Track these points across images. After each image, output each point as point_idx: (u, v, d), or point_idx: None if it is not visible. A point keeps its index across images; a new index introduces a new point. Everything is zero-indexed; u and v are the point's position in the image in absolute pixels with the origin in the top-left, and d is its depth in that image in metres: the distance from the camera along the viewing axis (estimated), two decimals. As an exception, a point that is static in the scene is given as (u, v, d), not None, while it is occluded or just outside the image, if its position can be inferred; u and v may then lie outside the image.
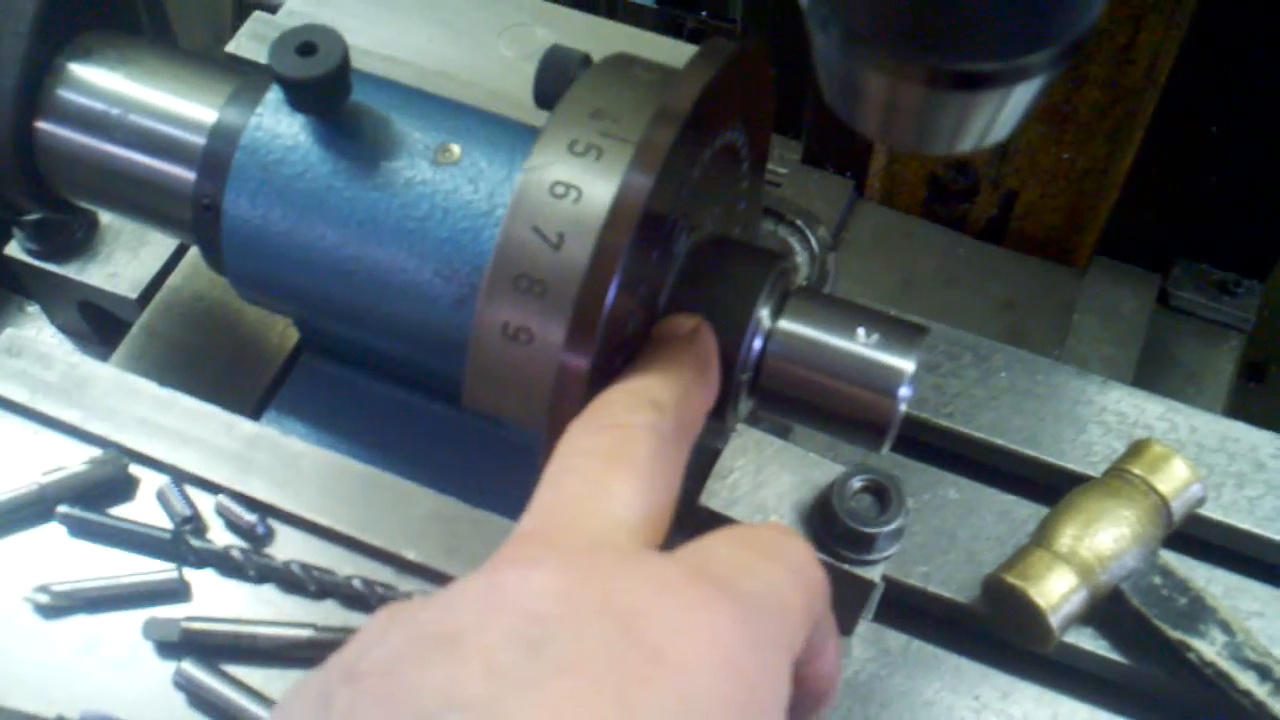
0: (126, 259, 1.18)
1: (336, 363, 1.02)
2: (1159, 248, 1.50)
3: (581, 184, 0.81)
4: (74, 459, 0.93)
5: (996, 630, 1.12)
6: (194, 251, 1.15)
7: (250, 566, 0.89)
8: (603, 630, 0.52)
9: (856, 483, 1.05)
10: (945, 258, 1.55)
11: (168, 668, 0.87)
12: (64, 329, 1.26)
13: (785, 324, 0.86)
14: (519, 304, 0.81)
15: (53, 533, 0.92)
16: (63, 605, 0.89)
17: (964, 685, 1.10)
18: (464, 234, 0.86)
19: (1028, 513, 1.16)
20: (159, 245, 1.18)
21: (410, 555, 0.89)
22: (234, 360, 1.09)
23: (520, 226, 0.81)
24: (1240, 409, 1.45)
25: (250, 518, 0.91)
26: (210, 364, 1.07)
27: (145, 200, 0.96)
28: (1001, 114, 0.69)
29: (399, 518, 0.90)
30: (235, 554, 0.90)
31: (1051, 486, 1.17)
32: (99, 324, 1.21)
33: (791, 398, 0.87)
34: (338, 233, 0.88)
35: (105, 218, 1.20)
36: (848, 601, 1.09)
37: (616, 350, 0.80)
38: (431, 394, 1.00)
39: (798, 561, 0.65)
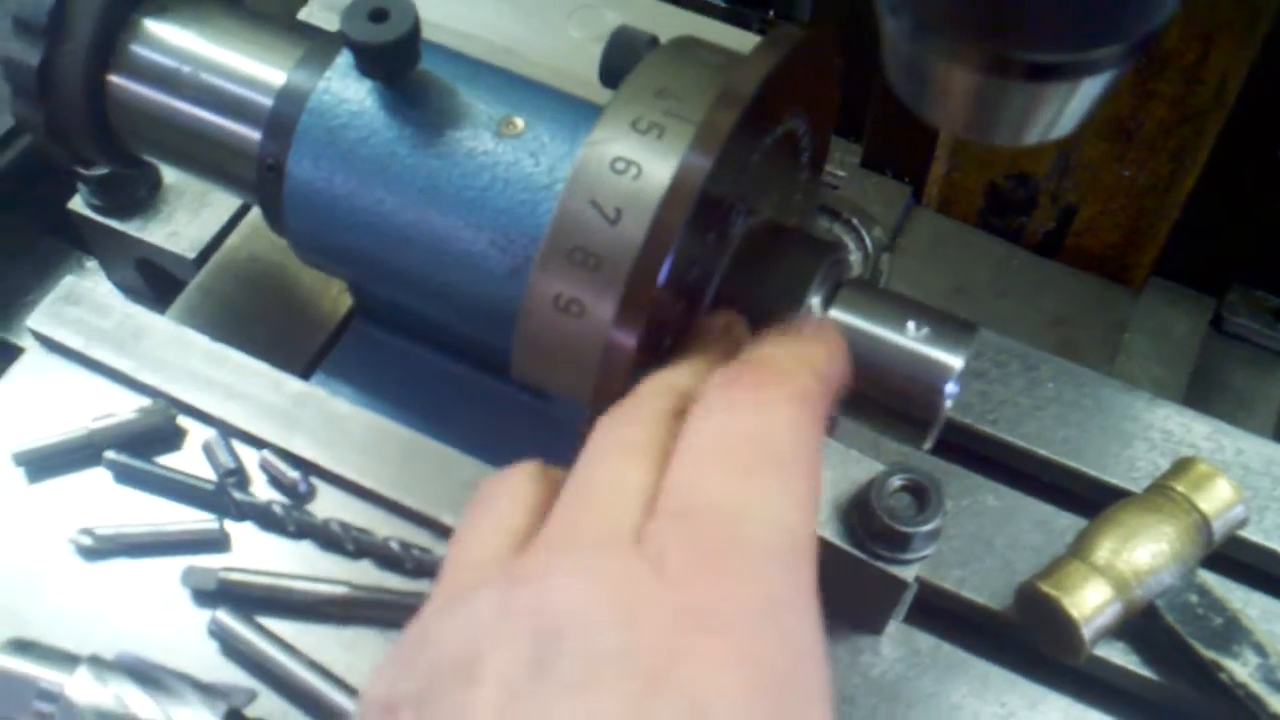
0: (187, 219, 1.19)
1: (388, 329, 1.03)
2: (1215, 271, 1.49)
3: (642, 161, 0.81)
4: (124, 407, 0.94)
5: (1028, 639, 1.12)
6: (253, 213, 1.17)
7: (290, 522, 0.90)
8: (614, 643, 0.52)
9: (896, 481, 1.04)
10: (999, 269, 1.54)
11: (203, 616, 0.88)
12: (121, 286, 1.28)
13: (835, 313, 0.86)
14: (572, 276, 0.82)
15: (99, 477, 0.93)
16: (105, 548, 0.90)
17: (991, 692, 1.10)
18: (522, 205, 0.87)
19: (1066, 523, 1.15)
20: (220, 207, 1.20)
21: (448, 520, 0.90)
22: (287, 323, 1.10)
23: (578, 199, 0.81)
24: (1292, 439, 1.44)
25: (293, 474, 0.92)
26: (263, 325, 1.08)
27: (211, 158, 0.97)
28: (1067, 108, 0.69)
29: (439, 483, 0.91)
30: (276, 509, 0.91)
31: (1092, 500, 1.17)
32: (156, 283, 1.22)
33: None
34: (398, 198, 0.89)
35: (169, 177, 1.21)
36: (880, 600, 1.09)
37: (666, 329, 0.81)
38: (479, 366, 1.01)
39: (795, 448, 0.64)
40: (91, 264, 1.30)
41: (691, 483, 0.60)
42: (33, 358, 0.98)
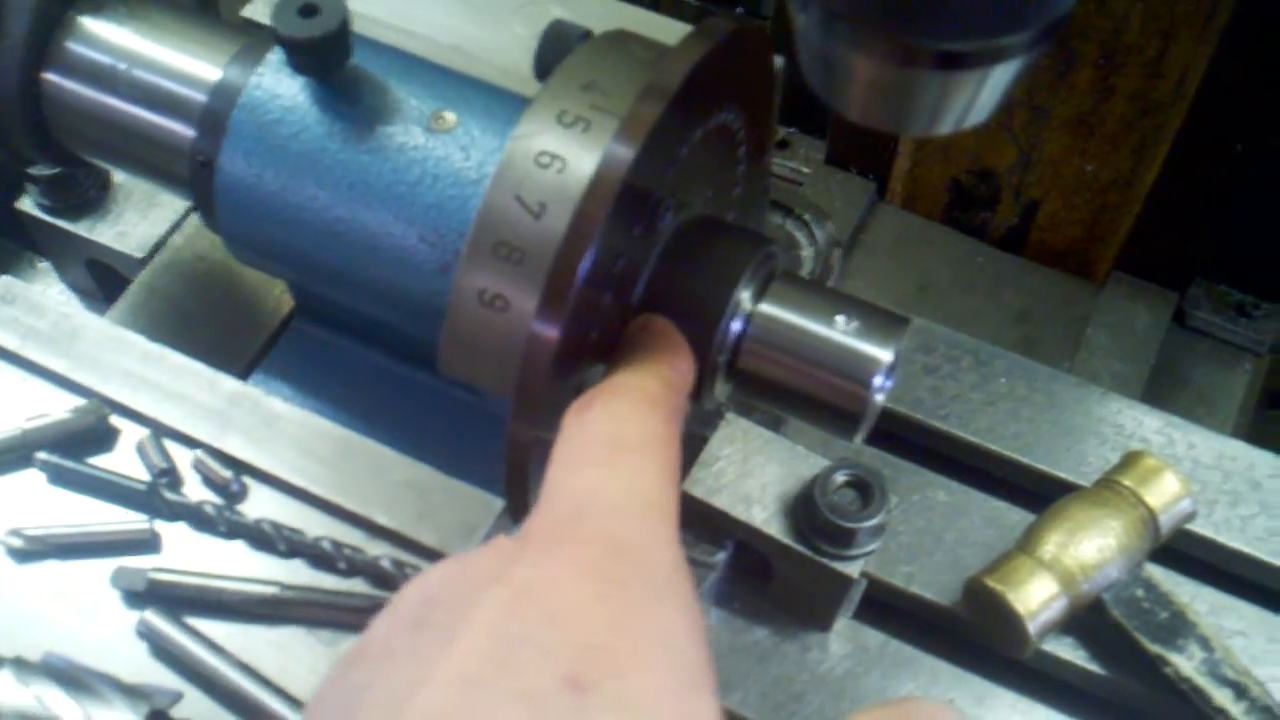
0: (136, 219, 1.19)
1: (326, 328, 1.03)
2: (1178, 266, 1.49)
3: (567, 154, 0.81)
4: (58, 407, 0.94)
5: (976, 634, 1.12)
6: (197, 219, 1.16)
7: (222, 522, 0.90)
8: (469, 594, 0.58)
9: (840, 477, 1.04)
10: (963, 265, 1.54)
11: (133, 617, 0.87)
12: (73, 286, 1.28)
13: (765, 307, 0.86)
14: (497, 271, 0.81)
15: (31, 479, 0.93)
16: (34, 550, 0.90)
17: (939, 688, 1.09)
18: (451, 201, 0.86)
19: (1017, 519, 1.15)
20: (168, 206, 1.19)
21: (381, 520, 0.89)
22: (229, 322, 1.10)
23: (503, 194, 0.81)
24: (1260, 436, 1.42)
25: (226, 474, 0.92)
26: (206, 324, 1.08)
27: (145, 155, 0.97)
28: (979, 96, 0.69)
29: (373, 482, 0.91)
30: (208, 509, 0.90)
31: (1043, 495, 1.16)
32: (106, 282, 1.22)
33: (768, 381, 0.87)
34: (328, 194, 0.89)
35: (118, 176, 1.21)
36: (826, 596, 1.09)
37: (590, 323, 0.80)
38: (417, 362, 1.00)
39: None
40: (44, 265, 1.30)
41: (553, 481, 0.65)
42: (-34, 359, 0.97)
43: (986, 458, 1.20)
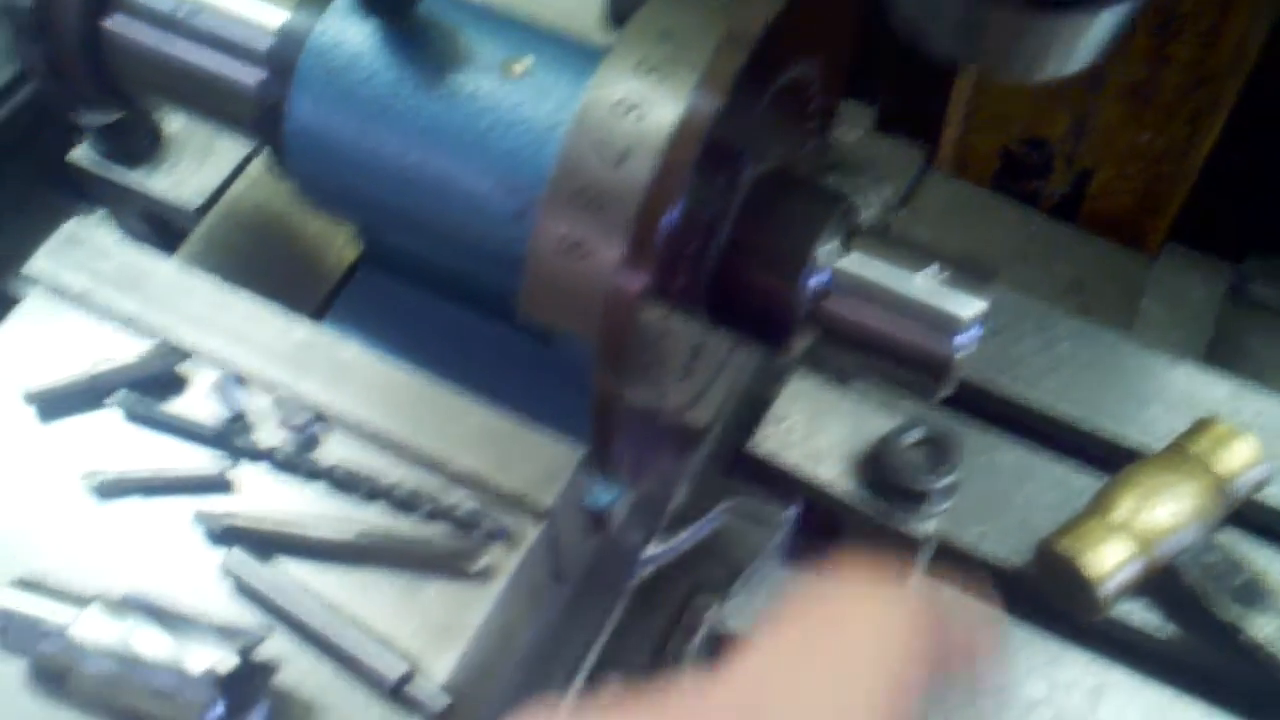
0: (191, 169, 1.18)
1: (394, 276, 1.02)
2: (1233, 237, 1.47)
3: (645, 103, 0.80)
4: (129, 351, 0.93)
5: (1047, 597, 1.10)
6: (258, 160, 1.15)
7: (300, 466, 0.89)
8: None
9: (912, 436, 1.03)
10: (1014, 233, 1.52)
11: (215, 557, 0.86)
12: (130, 237, 1.26)
13: (850, 260, 0.85)
14: (578, 218, 0.81)
15: (110, 419, 0.92)
16: (115, 489, 0.89)
17: (1010, 647, 1.08)
18: (526, 148, 0.85)
19: (1084, 483, 1.14)
20: (224, 156, 1.18)
21: (460, 465, 0.88)
22: (292, 272, 1.08)
23: (582, 141, 0.80)
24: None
25: (302, 418, 0.90)
26: (268, 274, 1.06)
27: (209, 100, 0.96)
28: (1083, 41, 0.68)
29: (451, 428, 0.89)
30: (286, 452, 0.89)
31: (1108, 461, 1.15)
32: (162, 234, 1.21)
33: (851, 336, 0.86)
34: (400, 140, 0.88)
35: (172, 126, 1.20)
36: (895, 555, 1.07)
37: (673, 272, 0.79)
38: (486, 311, 0.99)
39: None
40: (97, 215, 1.28)
41: None
42: (36, 301, 0.96)
43: (1051, 422, 1.19)
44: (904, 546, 1.05)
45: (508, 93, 0.86)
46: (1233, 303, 1.46)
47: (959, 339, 0.82)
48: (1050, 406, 1.18)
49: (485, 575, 0.86)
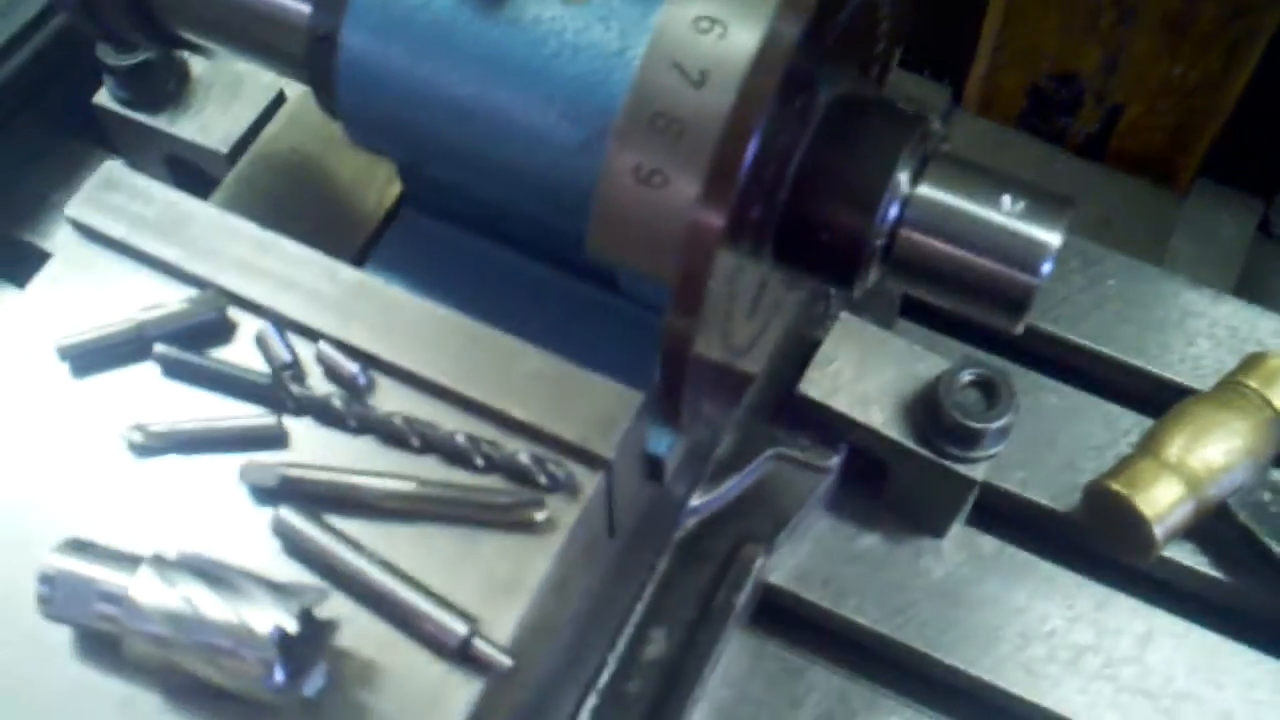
0: (218, 113, 1.15)
1: (438, 218, 0.99)
2: (1263, 174, 1.45)
3: (727, 19, 0.77)
4: (171, 298, 0.90)
5: (1095, 540, 1.09)
6: (292, 102, 1.12)
7: (351, 416, 0.86)
8: None
9: (965, 376, 1.01)
10: (1041, 171, 1.50)
11: (263, 514, 0.84)
12: (150, 183, 1.23)
13: (925, 189, 0.82)
14: (654, 145, 0.78)
15: (148, 372, 0.89)
16: (158, 445, 0.86)
17: (1057, 594, 1.07)
18: (593, 74, 0.82)
19: (1130, 422, 1.12)
20: (251, 99, 1.15)
21: (517, 413, 0.85)
22: (329, 215, 1.05)
23: (660, 61, 0.77)
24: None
25: (351, 367, 0.87)
26: (305, 218, 1.03)
27: (256, 32, 0.92)
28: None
29: (505, 374, 0.87)
30: (335, 403, 0.86)
31: (1154, 399, 1.14)
32: (186, 181, 1.17)
33: (927, 268, 0.83)
34: (459, 69, 0.84)
35: (198, 68, 1.17)
36: (945, 501, 1.06)
37: (750, 203, 0.77)
38: (539, 255, 0.96)
39: None
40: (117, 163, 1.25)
41: None
42: (71, 248, 0.93)
43: (1097, 361, 1.17)
44: (955, 490, 1.04)
45: (573, 16, 0.82)
46: (1261, 239, 1.45)
47: (1042, 269, 0.80)
48: (1095, 345, 1.16)
49: (546, 528, 0.83)
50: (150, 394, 0.88)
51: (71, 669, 0.79)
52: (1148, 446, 1.06)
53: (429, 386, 0.87)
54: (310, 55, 0.89)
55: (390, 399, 0.88)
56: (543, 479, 0.84)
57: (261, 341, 0.89)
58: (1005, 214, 0.81)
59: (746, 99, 0.72)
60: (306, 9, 0.88)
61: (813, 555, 1.08)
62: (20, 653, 0.80)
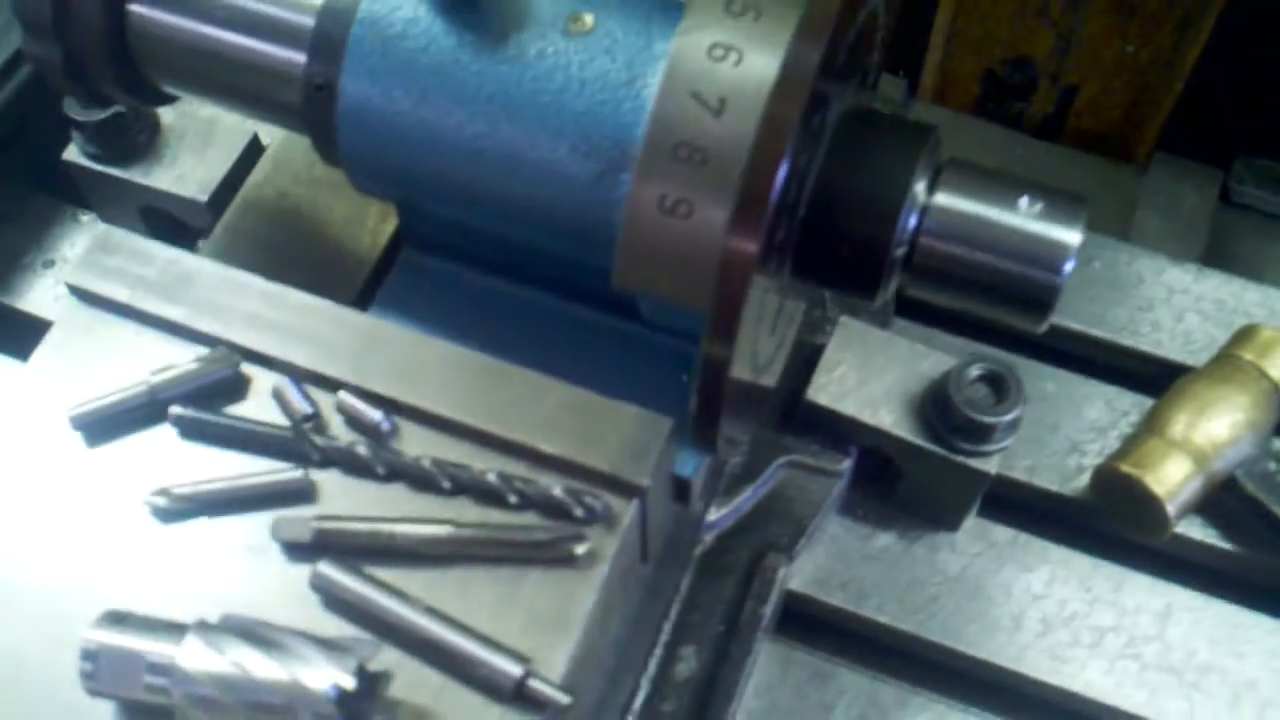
0: (192, 162, 1.13)
1: (442, 258, 0.98)
2: (1221, 143, 1.47)
3: (743, 46, 0.77)
4: (181, 358, 0.88)
5: (1106, 522, 1.10)
6: (275, 147, 1.11)
7: (379, 463, 0.85)
8: None
9: (973, 372, 1.02)
10: (1001, 157, 1.51)
11: (298, 570, 0.82)
12: (123, 238, 1.21)
13: (942, 196, 0.83)
14: (678, 175, 0.77)
15: (164, 435, 0.87)
16: (183, 509, 0.85)
17: (1074, 577, 1.08)
18: (602, 106, 0.81)
19: (1129, 403, 1.14)
20: (225, 145, 1.14)
21: (546, 447, 0.85)
22: (325, 259, 1.04)
23: (677, 91, 0.77)
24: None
25: (374, 414, 0.87)
26: (300, 264, 1.02)
27: (247, 86, 0.91)
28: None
29: (530, 409, 0.86)
30: (362, 451, 0.85)
31: (1150, 377, 1.15)
32: (163, 231, 1.16)
33: (949, 274, 0.84)
34: (465, 109, 0.84)
35: (167, 117, 1.15)
36: (957, 496, 1.07)
37: (777, 225, 0.77)
38: (545, 286, 0.96)
39: None
40: (87, 218, 1.23)
41: None
42: (73, 315, 0.91)
43: (1091, 344, 1.18)
44: (968, 485, 1.04)
45: (577, 49, 0.82)
46: (1222, 207, 1.47)
47: (1065, 268, 0.81)
48: (1088, 328, 1.17)
49: (587, 560, 0.83)
50: (169, 457, 0.87)
51: (122, 746, 0.78)
52: (1152, 426, 1.08)
53: (454, 427, 0.87)
54: (308, 105, 0.88)
55: (415, 443, 0.87)
56: (579, 511, 0.84)
57: (278, 395, 0.88)
58: (1024, 215, 0.82)
59: (772, 125, 0.72)
60: (301, 58, 0.87)
61: (829, 559, 1.09)
62: (65, 732, 0.78)
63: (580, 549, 0.83)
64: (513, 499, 0.84)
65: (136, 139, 1.13)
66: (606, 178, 0.81)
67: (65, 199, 1.22)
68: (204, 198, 1.11)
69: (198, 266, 0.91)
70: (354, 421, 0.87)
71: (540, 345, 0.93)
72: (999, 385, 1.02)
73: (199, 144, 1.13)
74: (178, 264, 0.91)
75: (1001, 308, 0.84)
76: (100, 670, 0.77)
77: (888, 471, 1.08)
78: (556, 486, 0.84)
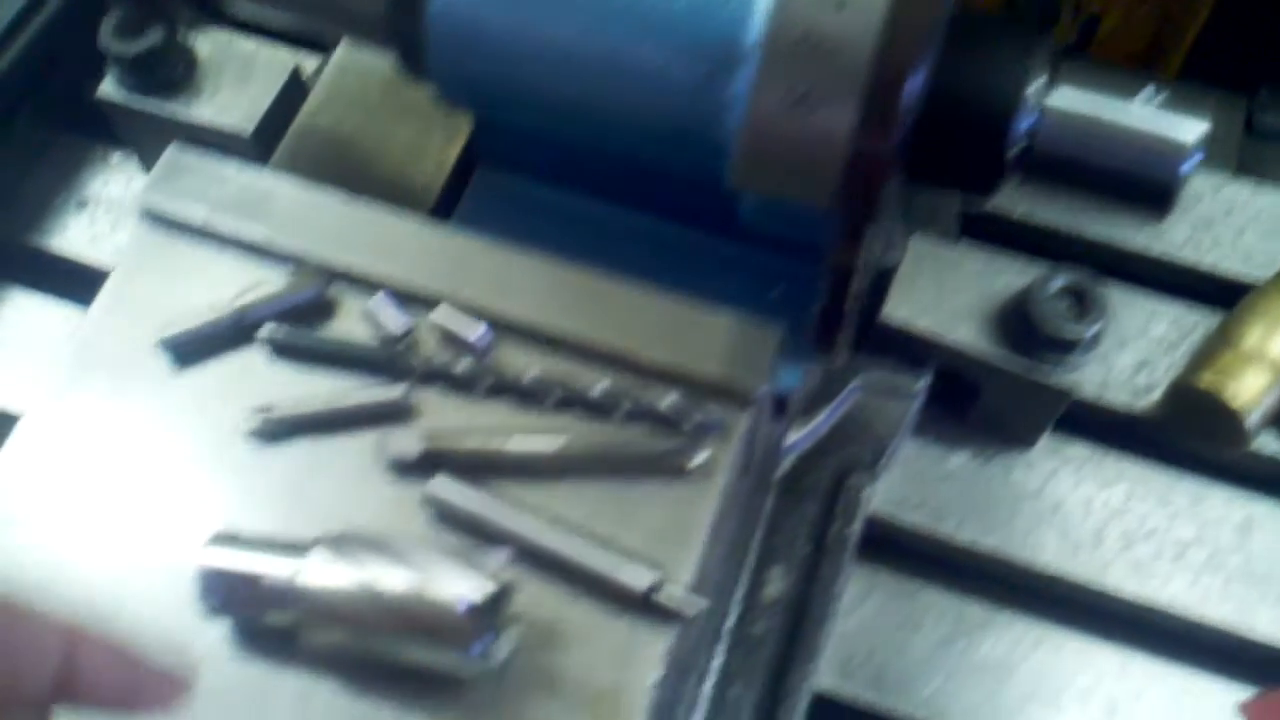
0: (234, 94, 1.09)
1: (519, 173, 0.95)
2: (1245, 72, 1.47)
3: None
4: (266, 279, 0.85)
5: (1179, 438, 1.09)
6: (328, 74, 1.07)
7: (481, 380, 0.82)
8: None
9: (1055, 284, 1.00)
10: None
11: (405, 489, 0.80)
12: (159, 177, 1.17)
13: (1061, 95, 0.81)
14: (804, 69, 0.75)
15: (254, 358, 0.84)
16: (281, 430, 0.81)
17: (1152, 493, 1.07)
18: (709, 3, 0.79)
19: (1195, 319, 1.12)
20: (266, 79, 1.09)
21: (652, 358, 0.83)
22: (389, 186, 1.01)
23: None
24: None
25: (473, 328, 0.84)
26: (363, 191, 0.98)
27: (328, -7, 0.88)
28: None
29: (633, 320, 0.84)
30: (462, 368, 0.83)
31: (1211, 294, 1.14)
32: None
33: (1068, 173, 0.82)
34: (563, 15, 0.81)
35: (205, 50, 1.11)
36: (1035, 414, 1.05)
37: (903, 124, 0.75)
38: (632, 201, 0.93)
39: None
40: (117, 159, 1.19)
41: None
42: (147, 238, 0.87)
43: (1150, 262, 1.17)
44: (1048, 402, 1.03)
45: None
46: (1247, 138, 1.46)
47: (1186, 164, 0.79)
48: (1148, 247, 1.16)
49: (703, 472, 0.81)
50: (260, 379, 0.84)
51: (238, 668, 0.75)
52: (1225, 339, 1.06)
53: (554, 341, 0.84)
54: (392, 15, 0.84)
55: (514, 359, 0.84)
56: (690, 424, 0.82)
57: (371, 313, 0.85)
58: (1146, 106, 0.80)
59: (901, 18, 0.70)
60: (388, -43, 0.84)
61: (904, 480, 1.07)
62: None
63: (696, 460, 0.81)
64: (620, 412, 0.82)
65: (174, 72, 1.09)
66: (715, 78, 0.79)
67: (95, 139, 1.18)
68: (248, 131, 1.07)
69: (277, 185, 0.88)
70: (451, 337, 0.84)
71: (621, 260, 0.90)
72: (1082, 298, 1.00)
73: (239, 77, 1.09)
74: (256, 182, 0.88)
75: (1122, 201, 0.83)
76: (219, 589, 0.74)
77: (961, 391, 1.07)
78: (665, 398, 0.82)
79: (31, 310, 1.11)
